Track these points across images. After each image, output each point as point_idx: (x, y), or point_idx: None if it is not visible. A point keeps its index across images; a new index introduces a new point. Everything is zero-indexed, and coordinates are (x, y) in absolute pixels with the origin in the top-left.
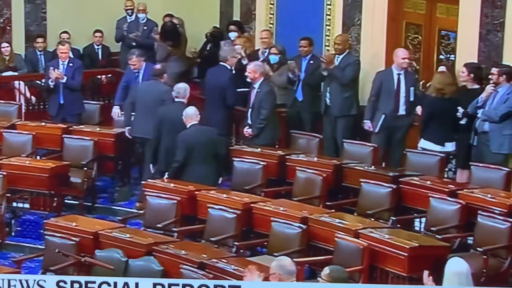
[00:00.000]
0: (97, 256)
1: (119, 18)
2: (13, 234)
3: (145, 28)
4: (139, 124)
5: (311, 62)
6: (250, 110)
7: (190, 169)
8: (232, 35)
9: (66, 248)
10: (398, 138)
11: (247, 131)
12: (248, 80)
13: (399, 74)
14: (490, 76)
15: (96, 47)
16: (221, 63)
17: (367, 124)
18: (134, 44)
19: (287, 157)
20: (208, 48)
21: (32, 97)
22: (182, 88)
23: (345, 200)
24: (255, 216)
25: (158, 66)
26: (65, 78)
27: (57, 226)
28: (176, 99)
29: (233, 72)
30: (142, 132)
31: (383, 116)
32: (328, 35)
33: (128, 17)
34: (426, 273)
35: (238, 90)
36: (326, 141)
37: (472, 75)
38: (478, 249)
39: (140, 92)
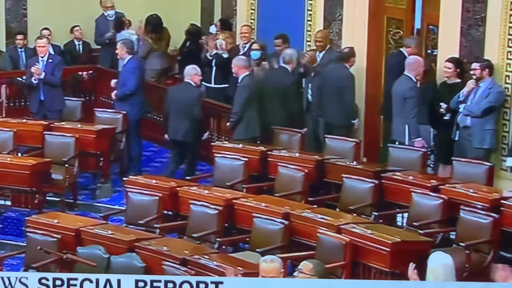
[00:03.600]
0: (79, 253)
1: (97, 17)
2: None
3: None
4: (327, 107)
5: None
6: None
7: (169, 121)
8: (212, 29)
9: (48, 245)
10: None
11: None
12: (234, 75)
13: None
14: (472, 72)
15: (76, 43)
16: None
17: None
18: (107, 42)
19: (268, 152)
20: (187, 45)
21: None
22: (288, 54)
23: (327, 196)
24: (237, 212)
25: (346, 49)
26: (43, 74)
27: (38, 223)
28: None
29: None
30: (328, 116)
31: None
32: (309, 31)
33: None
34: (412, 266)
35: (218, 86)
36: (308, 137)
37: (458, 70)
38: (461, 244)
39: (325, 76)
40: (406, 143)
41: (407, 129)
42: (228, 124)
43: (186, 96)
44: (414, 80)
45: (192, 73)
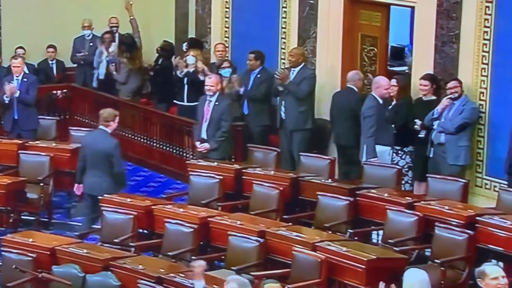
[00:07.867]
0: (54, 272)
1: (76, 36)
2: None
3: (91, 44)
4: None
5: (259, 76)
6: (206, 124)
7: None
8: (185, 47)
9: (23, 264)
10: None
11: (203, 145)
12: (208, 93)
13: None
14: (453, 90)
15: (50, 62)
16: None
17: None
18: (82, 62)
19: (243, 170)
20: (160, 62)
21: None
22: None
23: (302, 213)
24: (212, 230)
25: None
26: (18, 92)
27: (13, 242)
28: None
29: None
30: None
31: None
32: (283, 48)
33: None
34: (382, 284)
35: (190, 104)
36: (283, 154)
37: (434, 86)
38: (436, 260)
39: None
40: (364, 160)
41: (365, 148)
42: (205, 144)
43: (347, 102)
44: (378, 99)
45: (355, 78)
